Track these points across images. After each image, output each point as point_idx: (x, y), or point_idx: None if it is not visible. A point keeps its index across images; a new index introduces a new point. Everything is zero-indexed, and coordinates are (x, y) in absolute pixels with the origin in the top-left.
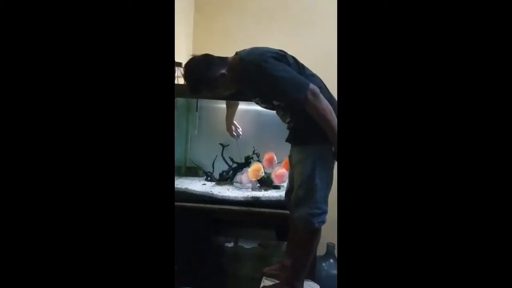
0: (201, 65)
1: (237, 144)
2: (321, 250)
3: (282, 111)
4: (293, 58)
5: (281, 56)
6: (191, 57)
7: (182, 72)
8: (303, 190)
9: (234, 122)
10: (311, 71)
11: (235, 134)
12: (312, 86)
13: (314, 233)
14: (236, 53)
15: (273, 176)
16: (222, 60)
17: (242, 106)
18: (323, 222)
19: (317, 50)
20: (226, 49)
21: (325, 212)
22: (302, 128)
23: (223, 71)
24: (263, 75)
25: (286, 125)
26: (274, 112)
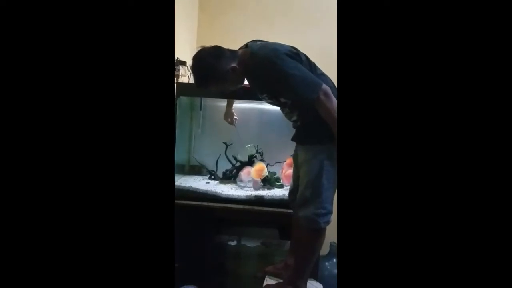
0: (210, 57)
1: (237, 134)
2: (324, 249)
3: (288, 109)
4: (305, 56)
5: (294, 54)
6: (199, 48)
7: (189, 66)
8: (310, 190)
9: (232, 110)
10: (321, 70)
11: (232, 121)
12: (324, 86)
13: (318, 233)
14: (247, 45)
15: (282, 177)
16: (232, 53)
17: (246, 104)
18: (329, 222)
19: (321, 49)
20: (230, 48)
21: (330, 212)
22: (310, 127)
23: (234, 64)
24: (275, 71)
25: (289, 124)
26: (277, 110)
